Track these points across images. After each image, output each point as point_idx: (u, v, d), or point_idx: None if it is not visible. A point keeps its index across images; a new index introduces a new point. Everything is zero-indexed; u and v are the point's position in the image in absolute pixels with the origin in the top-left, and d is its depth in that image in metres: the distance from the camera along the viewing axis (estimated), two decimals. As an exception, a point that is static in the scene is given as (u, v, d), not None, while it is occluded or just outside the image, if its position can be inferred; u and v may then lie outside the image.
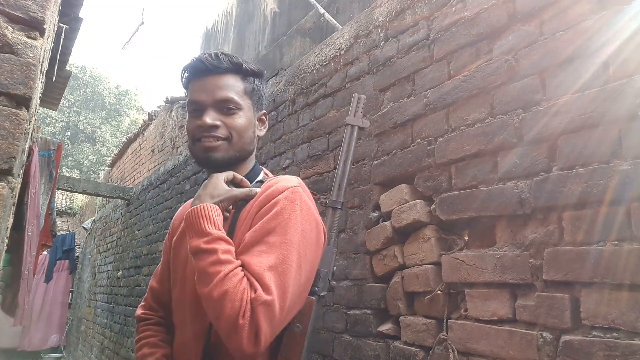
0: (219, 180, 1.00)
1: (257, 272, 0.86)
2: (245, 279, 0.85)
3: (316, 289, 0.98)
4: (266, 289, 0.84)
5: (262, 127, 1.15)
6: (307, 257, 0.93)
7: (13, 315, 3.59)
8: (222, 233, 0.92)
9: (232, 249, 0.91)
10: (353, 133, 1.22)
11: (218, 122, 1.02)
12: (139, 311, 1.18)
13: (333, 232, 1.08)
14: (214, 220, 0.92)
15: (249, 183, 1.05)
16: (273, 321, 0.84)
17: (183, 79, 1.10)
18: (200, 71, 1.05)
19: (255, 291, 0.84)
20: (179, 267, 1.07)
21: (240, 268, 0.87)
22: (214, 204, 0.95)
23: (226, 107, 1.03)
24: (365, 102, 1.30)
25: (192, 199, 1.06)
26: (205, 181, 1.02)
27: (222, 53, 1.06)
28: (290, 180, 1.00)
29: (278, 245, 0.89)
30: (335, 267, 1.01)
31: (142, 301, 1.21)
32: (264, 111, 1.17)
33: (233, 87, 1.05)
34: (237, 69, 1.06)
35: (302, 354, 0.91)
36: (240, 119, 1.05)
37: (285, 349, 0.92)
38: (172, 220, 1.24)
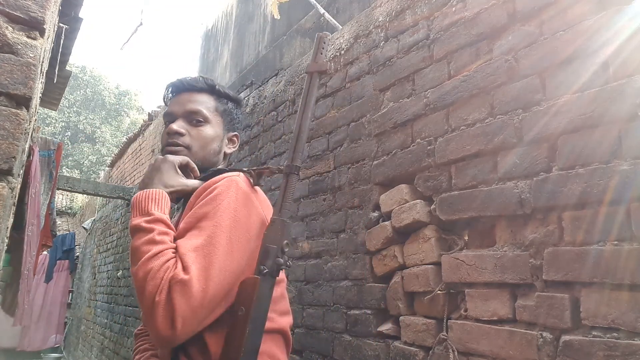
0: (173, 169, 1.02)
1: (181, 253, 0.85)
2: (173, 260, 0.85)
3: (262, 267, 0.89)
4: (185, 268, 0.82)
5: (231, 146, 1.21)
6: (241, 243, 0.90)
7: (13, 315, 3.59)
8: (166, 217, 0.93)
9: (172, 233, 0.92)
10: (314, 82, 1.05)
11: (183, 130, 1.10)
12: (136, 330, 1.21)
13: (287, 201, 0.95)
14: (161, 204, 0.94)
15: (198, 172, 1.08)
16: (191, 303, 0.80)
17: (165, 97, 1.20)
18: (178, 88, 1.16)
19: (175, 270, 0.83)
20: None
21: (173, 251, 0.87)
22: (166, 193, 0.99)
23: (195, 119, 1.12)
24: (329, 41, 1.12)
25: None
26: (158, 163, 1.02)
27: (201, 76, 1.17)
28: (232, 173, 1.01)
29: (207, 228, 0.88)
30: (286, 241, 0.89)
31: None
32: (236, 133, 1.23)
33: (204, 102, 1.14)
34: (211, 90, 1.16)
35: (246, 338, 0.84)
36: (205, 131, 1.12)
37: (228, 334, 0.86)
38: None
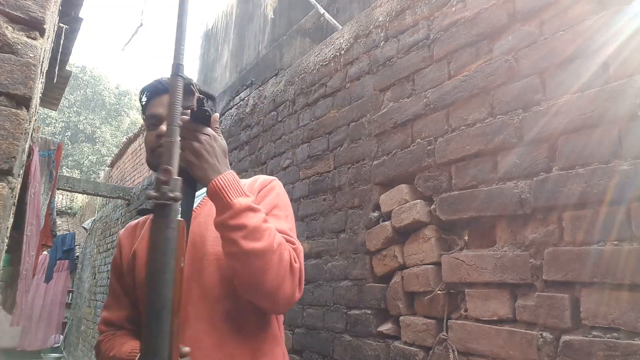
0: (224, 144, 0.99)
1: (284, 230, 1.00)
2: None
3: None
4: (294, 243, 1.00)
5: None
6: (294, 227, 1.11)
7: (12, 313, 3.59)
8: None
9: None
10: None
11: None
12: (100, 337, 1.14)
13: (174, 113, 0.84)
14: None
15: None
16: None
17: (142, 100, 1.16)
18: (158, 90, 1.13)
19: (293, 244, 1.00)
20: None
21: None
22: None
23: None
24: None
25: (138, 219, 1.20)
26: (222, 146, 0.97)
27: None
28: (269, 176, 1.17)
29: (285, 218, 1.06)
30: (166, 167, 0.77)
31: (99, 335, 1.16)
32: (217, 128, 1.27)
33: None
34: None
35: (148, 290, 0.77)
36: None
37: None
38: (122, 238, 1.20)
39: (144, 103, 1.16)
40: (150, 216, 0.82)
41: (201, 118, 0.96)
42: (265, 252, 0.90)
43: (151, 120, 1.12)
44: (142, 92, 1.16)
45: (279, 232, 0.97)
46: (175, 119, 0.83)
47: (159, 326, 0.75)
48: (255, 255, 0.89)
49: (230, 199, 0.92)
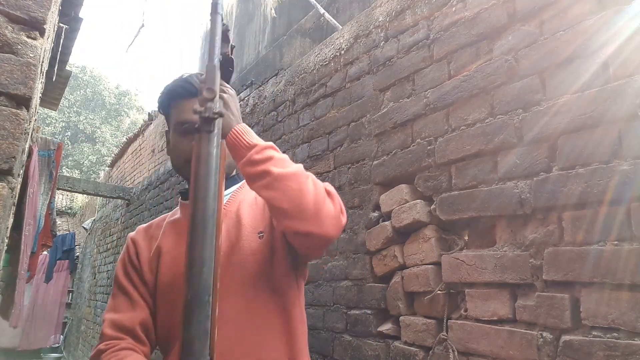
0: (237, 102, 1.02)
1: None
2: None
3: None
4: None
5: None
6: None
7: (8, 317, 3.56)
8: None
9: None
10: None
11: None
12: (101, 346, 0.99)
13: (214, 44, 0.93)
14: None
15: None
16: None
17: (164, 100, 1.10)
18: (188, 92, 1.05)
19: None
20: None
21: None
22: None
23: None
24: None
25: (168, 215, 1.18)
26: (229, 94, 0.98)
27: (197, 76, 1.08)
28: None
29: None
30: (209, 87, 0.79)
31: (100, 340, 1.02)
32: None
33: None
34: None
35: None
36: None
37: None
38: (136, 239, 1.14)
39: (167, 105, 1.10)
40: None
41: (225, 73, 0.98)
42: (297, 175, 0.91)
43: (182, 127, 1.05)
44: (166, 92, 1.09)
45: None
46: (217, 48, 0.90)
47: (200, 278, 0.67)
48: (288, 178, 0.90)
49: (251, 140, 0.94)
